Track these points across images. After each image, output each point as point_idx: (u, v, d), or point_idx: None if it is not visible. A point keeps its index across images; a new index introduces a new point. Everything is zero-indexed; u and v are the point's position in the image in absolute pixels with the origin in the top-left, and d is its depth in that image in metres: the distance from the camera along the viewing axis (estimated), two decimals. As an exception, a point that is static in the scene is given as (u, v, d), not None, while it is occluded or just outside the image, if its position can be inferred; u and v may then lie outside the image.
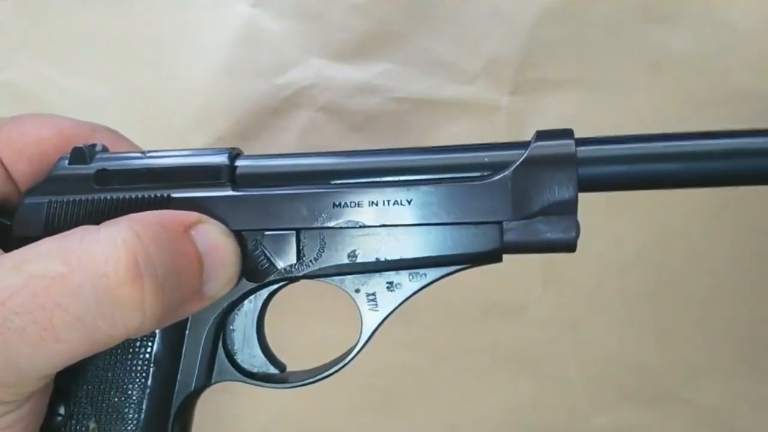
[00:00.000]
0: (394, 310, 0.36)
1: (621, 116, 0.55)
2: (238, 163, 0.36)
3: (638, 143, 0.33)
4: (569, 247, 0.33)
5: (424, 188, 0.34)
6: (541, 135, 0.34)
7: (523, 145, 0.34)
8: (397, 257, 0.35)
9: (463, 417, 0.62)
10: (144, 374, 0.35)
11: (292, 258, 0.35)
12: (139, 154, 0.37)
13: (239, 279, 0.35)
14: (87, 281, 0.28)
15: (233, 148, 0.36)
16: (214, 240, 0.33)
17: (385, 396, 0.62)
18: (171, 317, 0.32)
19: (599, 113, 0.55)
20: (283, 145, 0.58)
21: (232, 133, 0.58)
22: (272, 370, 0.38)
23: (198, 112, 0.58)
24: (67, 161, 0.36)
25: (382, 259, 0.35)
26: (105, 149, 0.37)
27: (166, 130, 0.58)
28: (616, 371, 0.60)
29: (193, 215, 0.33)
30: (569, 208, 0.33)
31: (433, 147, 0.35)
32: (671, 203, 0.56)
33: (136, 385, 0.35)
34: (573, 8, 0.53)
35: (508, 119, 0.56)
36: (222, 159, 0.35)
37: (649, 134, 0.33)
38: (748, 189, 0.55)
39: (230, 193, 0.35)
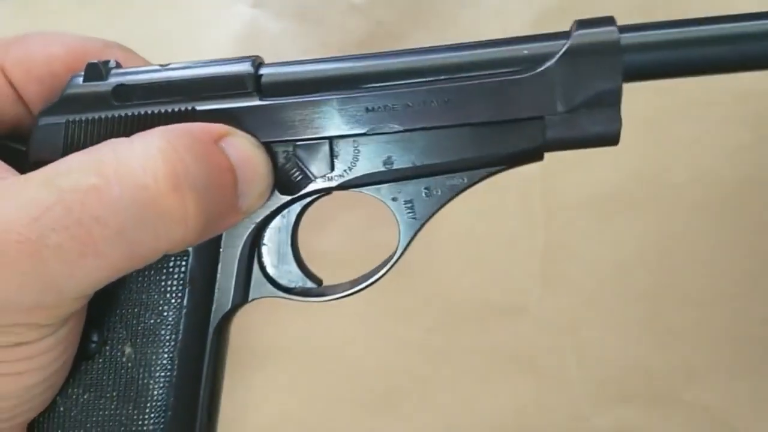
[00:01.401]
0: (432, 215, 0.35)
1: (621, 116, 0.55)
2: (263, 71, 0.34)
3: (683, 27, 0.32)
4: (613, 139, 0.32)
5: (460, 87, 0.32)
6: (582, 23, 0.32)
7: (564, 35, 0.32)
8: (435, 161, 0.33)
9: (463, 417, 0.61)
10: (179, 294, 0.34)
11: (325, 168, 0.34)
12: (157, 67, 0.35)
13: (272, 192, 0.34)
14: (126, 193, 0.27)
15: (256, 57, 0.35)
16: (245, 152, 0.32)
17: (385, 397, 0.62)
18: (211, 230, 0.31)
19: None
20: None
21: (232, 134, 0.58)
22: (309, 284, 0.37)
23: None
24: (81, 78, 0.35)
25: (419, 163, 0.33)
26: (119, 65, 0.36)
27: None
28: (616, 371, 0.60)
29: (221, 127, 0.32)
30: (614, 99, 0.32)
31: (468, 43, 0.33)
32: (671, 203, 0.56)
33: (172, 306, 0.34)
34: (573, 8, 0.53)
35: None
36: (246, 67, 0.34)
37: (693, 18, 0.32)
38: (748, 189, 0.55)
39: (257, 102, 0.33)
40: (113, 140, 0.30)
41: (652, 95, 0.55)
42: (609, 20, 0.32)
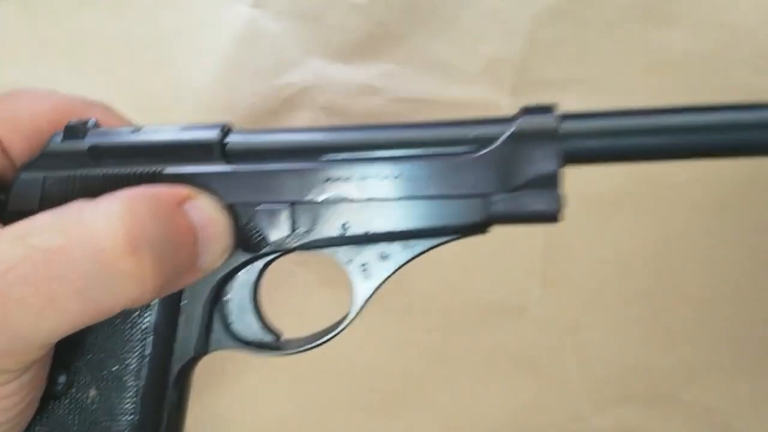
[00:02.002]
0: (387, 279, 0.37)
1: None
2: (230, 138, 0.36)
3: (620, 118, 0.34)
4: (552, 218, 0.34)
5: (411, 163, 0.34)
6: (526, 110, 0.35)
7: (509, 120, 0.34)
8: (387, 230, 0.35)
9: (463, 418, 0.61)
10: (142, 343, 0.36)
11: (285, 230, 0.36)
12: (132, 129, 0.37)
13: (233, 251, 0.35)
14: (87, 254, 0.29)
15: (225, 123, 0.37)
16: (207, 214, 0.34)
17: (384, 397, 0.62)
18: (169, 288, 0.32)
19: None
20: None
21: (232, 134, 0.58)
22: (267, 338, 0.39)
23: (198, 112, 0.58)
24: (60, 137, 0.37)
25: (372, 231, 0.35)
26: (98, 125, 0.38)
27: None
28: (616, 371, 0.60)
29: (185, 190, 0.33)
30: (553, 181, 0.33)
31: (421, 122, 0.36)
32: (671, 203, 0.56)
33: (135, 354, 0.36)
34: (573, 8, 0.53)
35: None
36: (214, 134, 0.36)
37: (630, 109, 0.34)
38: (748, 189, 0.55)
39: (222, 168, 0.35)
40: (80, 201, 0.31)
41: (652, 95, 0.55)
42: (551, 108, 0.34)
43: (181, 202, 0.33)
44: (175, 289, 0.33)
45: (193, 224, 0.33)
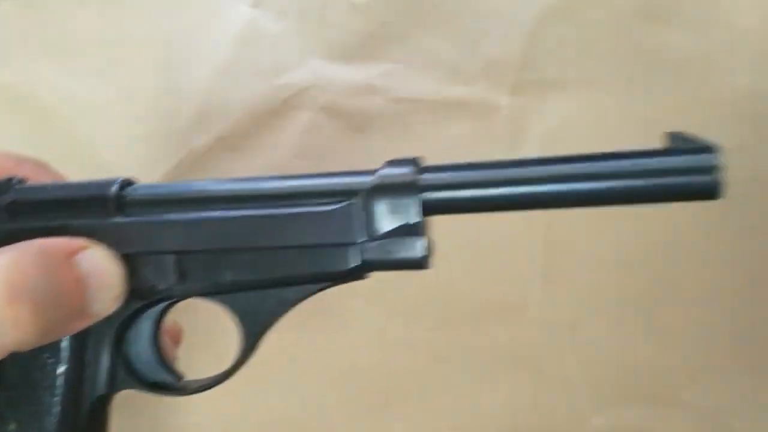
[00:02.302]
0: (271, 324, 0.39)
1: (621, 116, 0.55)
2: (126, 192, 0.39)
3: (481, 170, 0.36)
4: (420, 266, 0.36)
5: (283, 214, 0.37)
6: (390, 163, 0.37)
7: (372, 172, 0.37)
8: (265, 277, 0.38)
9: (463, 417, 0.62)
10: (52, 382, 0.39)
11: (172, 278, 0.39)
12: (49, 186, 0.41)
13: (127, 298, 0.38)
14: None
15: (126, 179, 0.40)
16: (99, 264, 0.37)
17: (384, 396, 0.62)
18: (56, 332, 0.35)
19: (599, 113, 0.55)
20: (283, 146, 0.58)
21: (232, 134, 0.58)
22: (169, 379, 0.42)
23: (198, 112, 0.58)
24: None
25: (251, 278, 0.38)
26: (22, 181, 0.41)
27: (166, 130, 0.58)
28: (616, 371, 0.60)
29: (78, 241, 0.37)
30: (417, 231, 0.36)
31: (293, 175, 0.39)
32: (672, 203, 0.56)
33: (47, 393, 0.39)
34: (573, 8, 0.53)
35: (508, 119, 0.56)
36: (111, 190, 0.39)
37: (492, 161, 0.36)
38: (748, 189, 0.55)
39: (117, 220, 0.39)
40: None
41: (652, 95, 0.55)
42: (413, 161, 0.36)
43: (72, 253, 0.36)
44: (68, 333, 0.37)
45: (81, 274, 0.36)
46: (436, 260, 0.38)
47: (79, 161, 0.60)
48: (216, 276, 0.38)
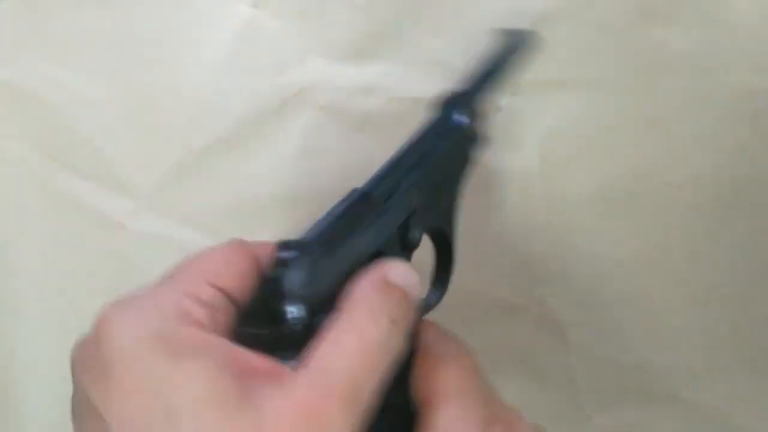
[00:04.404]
0: None
1: (621, 116, 0.55)
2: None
3: None
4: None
5: None
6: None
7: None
8: None
9: (463, 417, 0.61)
10: None
11: None
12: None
13: None
14: None
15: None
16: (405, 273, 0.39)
17: (385, 396, 0.62)
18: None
19: (599, 113, 0.55)
20: (283, 146, 0.58)
21: (232, 134, 0.58)
22: None
23: (198, 112, 0.58)
24: None
25: None
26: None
27: (165, 130, 0.58)
28: (616, 371, 0.60)
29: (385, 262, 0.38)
30: None
31: None
32: (672, 202, 0.56)
33: None
34: (573, 8, 0.53)
35: (508, 119, 0.56)
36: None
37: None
38: (747, 189, 0.55)
39: None
40: None
41: (652, 95, 0.55)
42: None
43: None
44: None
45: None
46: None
47: (79, 160, 0.60)
48: None
